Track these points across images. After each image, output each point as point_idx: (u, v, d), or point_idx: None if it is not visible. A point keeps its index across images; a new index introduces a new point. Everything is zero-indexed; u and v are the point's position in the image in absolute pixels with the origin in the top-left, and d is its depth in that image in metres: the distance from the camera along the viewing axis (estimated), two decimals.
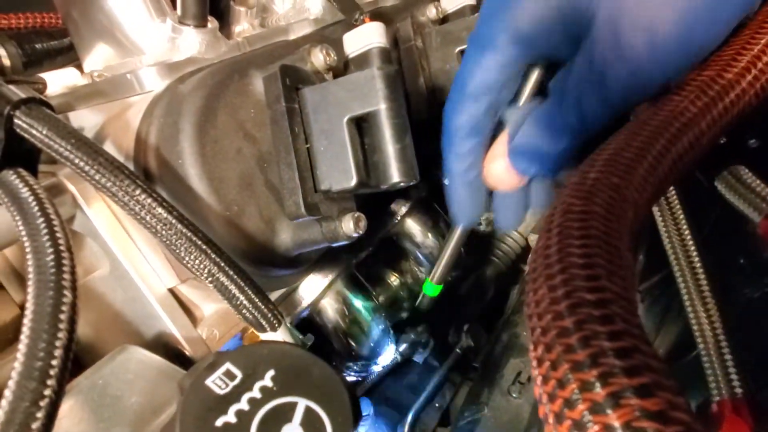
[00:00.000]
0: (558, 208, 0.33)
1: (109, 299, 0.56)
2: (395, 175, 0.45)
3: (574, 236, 0.29)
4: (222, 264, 0.43)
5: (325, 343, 0.76)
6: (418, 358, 1.18)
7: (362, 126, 0.47)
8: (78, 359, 0.64)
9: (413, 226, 0.92)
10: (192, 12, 0.59)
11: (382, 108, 0.45)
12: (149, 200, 0.41)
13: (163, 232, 0.42)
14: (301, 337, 0.68)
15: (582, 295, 0.24)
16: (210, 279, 0.43)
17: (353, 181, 0.46)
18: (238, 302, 0.45)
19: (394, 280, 1.00)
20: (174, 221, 0.42)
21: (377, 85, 0.45)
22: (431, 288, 0.65)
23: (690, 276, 0.47)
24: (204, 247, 0.43)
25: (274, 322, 0.48)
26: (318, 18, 0.77)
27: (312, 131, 0.47)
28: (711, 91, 0.43)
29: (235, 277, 0.44)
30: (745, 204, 0.45)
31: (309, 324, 0.75)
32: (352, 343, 0.77)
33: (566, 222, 0.30)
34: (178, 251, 0.42)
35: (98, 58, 0.67)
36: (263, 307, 0.47)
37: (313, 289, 0.70)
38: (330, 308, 0.74)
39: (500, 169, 0.51)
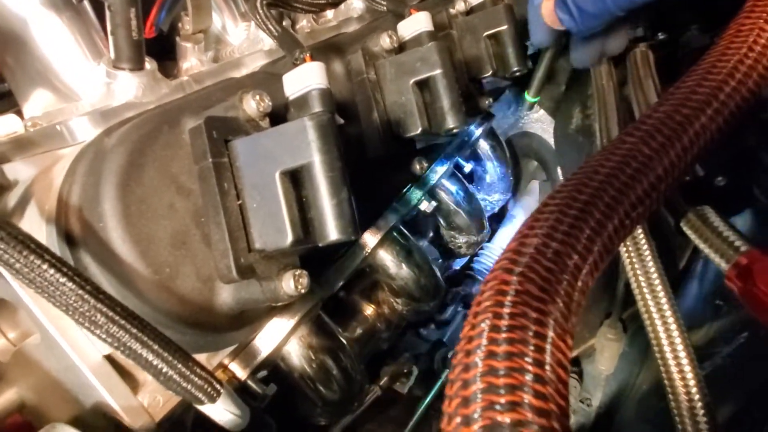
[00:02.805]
0: (490, 285, 0.29)
1: (45, 367, 0.53)
2: (332, 232, 0.42)
3: (500, 329, 0.25)
4: (144, 338, 0.40)
5: (293, 390, 0.73)
6: (402, 389, 1.14)
7: (298, 178, 0.44)
8: (29, 424, 0.60)
9: (386, 257, 0.89)
10: (126, 55, 0.56)
11: (315, 161, 0.41)
12: (58, 275, 0.38)
13: (76, 309, 0.38)
14: (260, 391, 0.65)
15: (495, 417, 0.21)
16: (131, 355, 0.40)
17: (288, 240, 0.42)
18: (167, 377, 0.42)
19: (370, 311, 0.96)
20: (87, 296, 0.38)
21: (309, 136, 0.41)
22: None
23: (662, 329, 0.44)
24: (122, 321, 0.39)
25: (212, 392, 0.45)
26: (272, 49, 0.74)
27: (243, 186, 0.44)
28: (666, 129, 0.40)
29: (160, 350, 0.41)
30: (711, 249, 0.41)
31: (274, 370, 0.71)
32: (321, 389, 0.73)
33: (496, 309, 0.26)
34: (93, 328, 0.39)
35: (37, 103, 0.64)
36: (196, 379, 0.43)
37: (274, 336, 0.66)
38: (294, 354, 0.70)
39: (549, 7, 0.59)
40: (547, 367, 0.24)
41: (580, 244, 0.32)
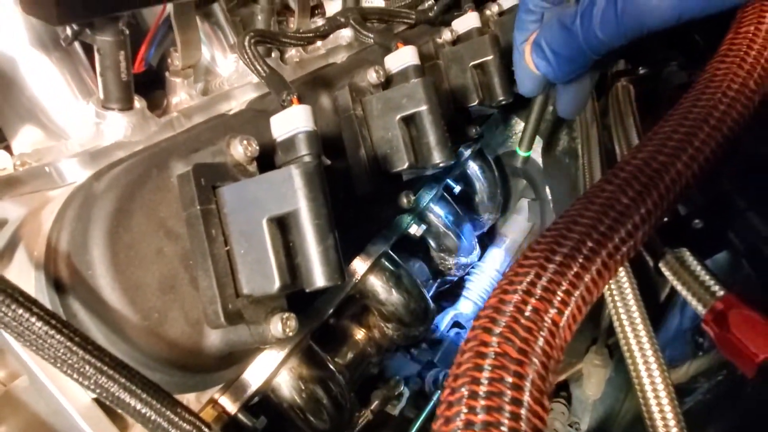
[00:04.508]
0: (470, 345, 0.30)
1: (33, 409, 0.53)
2: (319, 279, 0.43)
3: (478, 396, 0.26)
4: (132, 387, 0.40)
5: (284, 421, 0.73)
6: (393, 411, 1.14)
7: (285, 224, 0.44)
8: None
9: (376, 283, 0.89)
10: (115, 96, 0.57)
11: (302, 208, 0.42)
12: (46, 328, 0.38)
13: (64, 361, 0.39)
14: (250, 424, 0.65)
15: None
16: (120, 405, 0.40)
17: (276, 286, 0.43)
18: (156, 425, 0.42)
19: (361, 336, 0.97)
20: (75, 348, 0.39)
21: (295, 184, 0.42)
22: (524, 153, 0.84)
23: (644, 368, 0.44)
24: (111, 372, 0.40)
25: None
26: (261, 82, 0.75)
27: (231, 233, 0.45)
28: (643, 177, 0.41)
29: (149, 398, 0.41)
30: (689, 293, 0.42)
31: (263, 400, 0.72)
32: (312, 419, 0.73)
33: (474, 373, 0.27)
34: (82, 380, 0.39)
35: (26, 140, 0.64)
36: (185, 425, 0.44)
37: (264, 368, 0.66)
38: (285, 386, 0.71)
39: (528, 51, 0.60)
40: None
41: (557, 299, 0.33)
